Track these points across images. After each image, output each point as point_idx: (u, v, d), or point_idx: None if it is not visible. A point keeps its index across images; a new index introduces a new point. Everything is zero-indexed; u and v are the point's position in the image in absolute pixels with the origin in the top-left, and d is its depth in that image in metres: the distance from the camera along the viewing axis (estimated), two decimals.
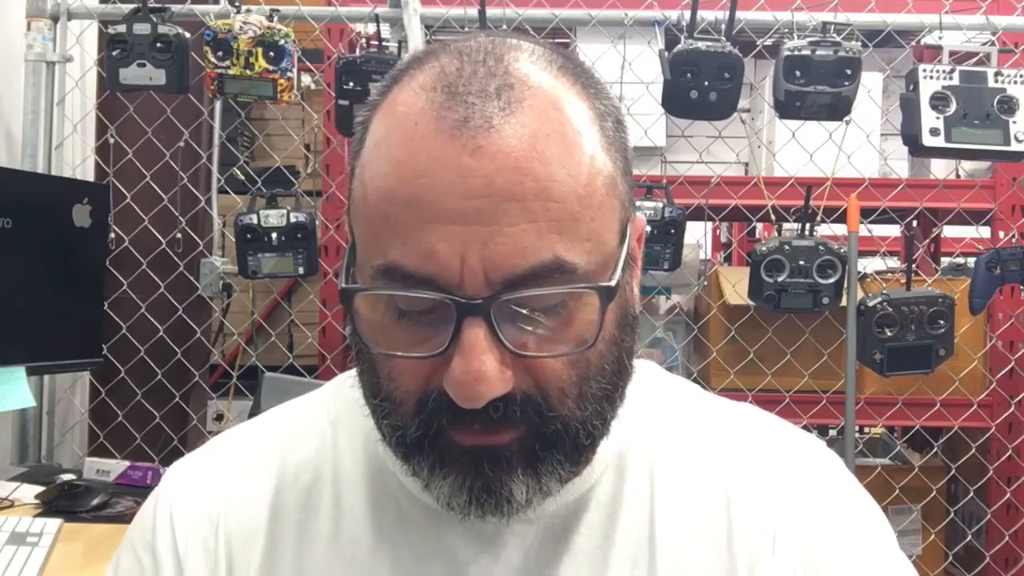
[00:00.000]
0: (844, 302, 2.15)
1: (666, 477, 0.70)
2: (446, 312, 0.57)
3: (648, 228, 2.12)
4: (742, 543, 0.67)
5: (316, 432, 0.73)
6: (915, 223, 2.63)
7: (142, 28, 2.10)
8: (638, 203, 2.10)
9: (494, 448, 0.60)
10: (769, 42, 2.36)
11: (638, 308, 0.67)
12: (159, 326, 2.35)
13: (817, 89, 2.06)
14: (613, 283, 0.59)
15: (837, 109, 2.09)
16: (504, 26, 2.19)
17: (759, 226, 3.68)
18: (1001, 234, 2.39)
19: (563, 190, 0.57)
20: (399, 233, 0.57)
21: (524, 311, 0.58)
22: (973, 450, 2.45)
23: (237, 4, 2.14)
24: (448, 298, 0.56)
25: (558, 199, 0.57)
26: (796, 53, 2.06)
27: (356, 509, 0.69)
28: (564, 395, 0.60)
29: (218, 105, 2.54)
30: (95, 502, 1.79)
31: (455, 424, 0.59)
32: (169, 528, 0.71)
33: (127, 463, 2.01)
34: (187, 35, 2.14)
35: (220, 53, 2.08)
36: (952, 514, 2.47)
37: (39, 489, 1.84)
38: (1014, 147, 2.06)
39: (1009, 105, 2.06)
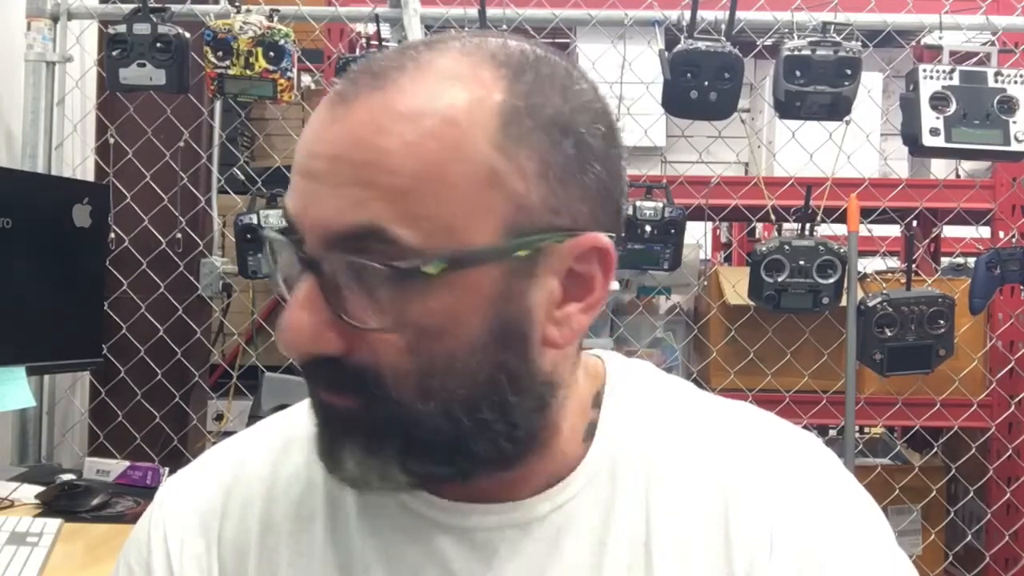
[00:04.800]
0: (844, 302, 2.15)
1: (661, 480, 0.69)
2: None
3: (648, 228, 2.12)
4: (740, 547, 0.67)
5: (309, 441, 0.72)
6: (915, 223, 2.63)
7: (142, 28, 2.10)
8: (638, 203, 2.13)
9: (334, 408, 0.62)
10: (769, 42, 2.36)
11: (567, 339, 0.63)
12: (159, 326, 2.35)
13: (817, 89, 2.06)
14: (434, 271, 0.57)
15: (837, 109, 2.09)
16: (504, 26, 2.19)
17: (759, 226, 3.68)
18: (1001, 234, 2.39)
19: (398, 163, 0.58)
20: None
21: (355, 279, 0.59)
22: (973, 450, 2.45)
23: (237, 4, 2.14)
24: (287, 240, 0.61)
25: (389, 170, 0.58)
26: (796, 53, 2.06)
27: (349, 518, 0.70)
28: (400, 381, 0.60)
29: (218, 105, 2.54)
30: (95, 502, 1.79)
31: (307, 378, 0.63)
32: (163, 545, 0.72)
33: (127, 463, 2.01)
34: (187, 35, 2.15)
35: (220, 53, 2.08)
36: (952, 514, 2.46)
37: (39, 489, 1.84)
38: (1014, 147, 2.06)
39: (1009, 105, 2.06)
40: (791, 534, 0.67)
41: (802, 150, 2.35)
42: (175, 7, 2.18)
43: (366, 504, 0.69)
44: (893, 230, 2.87)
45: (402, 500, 0.69)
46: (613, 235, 0.64)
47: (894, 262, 3.14)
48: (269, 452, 0.74)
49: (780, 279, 2.12)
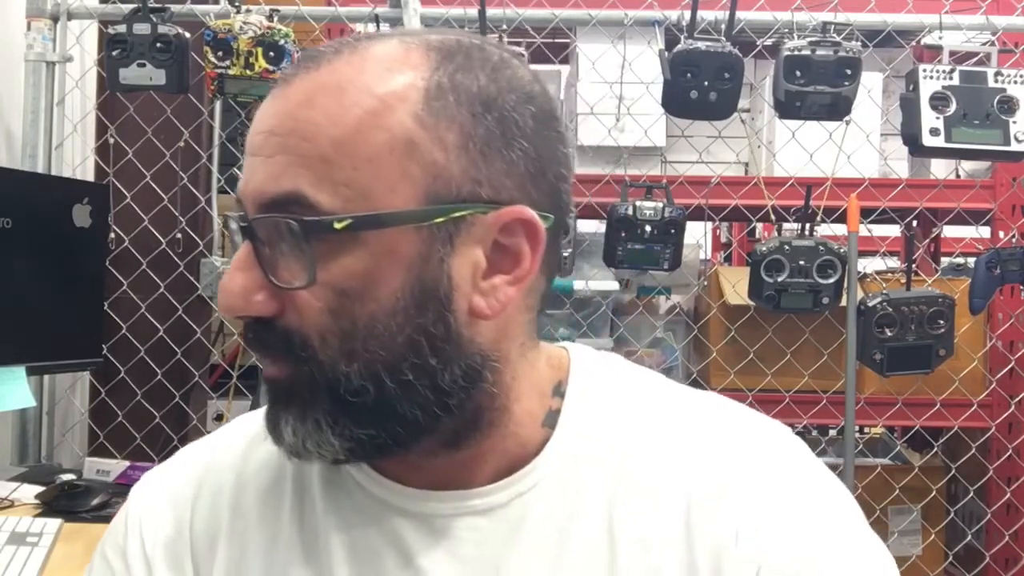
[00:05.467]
0: (844, 302, 2.15)
1: (625, 470, 0.69)
2: None
3: (648, 228, 2.12)
4: (702, 538, 0.67)
5: None
6: (915, 223, 2.63)
7: (142, 28, 2.10)
8: (638, 203, 2.13)
9: (274, 381, 0.66)
10: (769, 42, 2.36)
11: (494, 310, 0.65)
12: (159, 326, 2.35)
13: (817, 89, 2.06)
14: (340, 226, 0.61)
15: (837, 109, 2.09)
16: (504, 26, 2.19)
17: (759, 226, 3.68)
18: (1001, 234, 2.39)
19: (317, 132, 0.62)
20: None
21: (280, 240, 0.62)
22: (973, 450, 2.45)
23: (237, 4, 2.14)
24: (229, 215, 0.66)
25: (309, 138, 0.62)
26: (796, 53, 2.06)
27: (315, 503, 0.72)
28: (326, 341, 0.63)
29: (218, 105, 2.54)
30: (95, 502, 1.79)
31: (248, 346, 0.66)
32: (138, 534, 0.75)
33: (127, 463, 2.01)
34: (187, 35, 2.14)
35: (220, 53, 2.08)
36: (952, 514, 2.46)
37: (39, 489, 1.84)
38: (1014, 147, 2.06)
39: (1009, 105, 2.06)
40: (758, 525, 0.67)
41: (802, 150, 2.35)
42: (175, 7, 2.18)
43: (330, 489, 0.72)
44: (893, 230, 2.87)
45: (361, 484, 0.71)
46: (550, 216, 0.66)
47: (894, 262, 3.14)
48: (240, 443, 0.77)
49: (780, 279, 2.12)
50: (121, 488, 1.92)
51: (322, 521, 0.71)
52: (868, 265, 2.92)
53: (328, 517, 0.71)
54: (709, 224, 3.25)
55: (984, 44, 2.31)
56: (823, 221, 2.30)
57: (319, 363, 0.63)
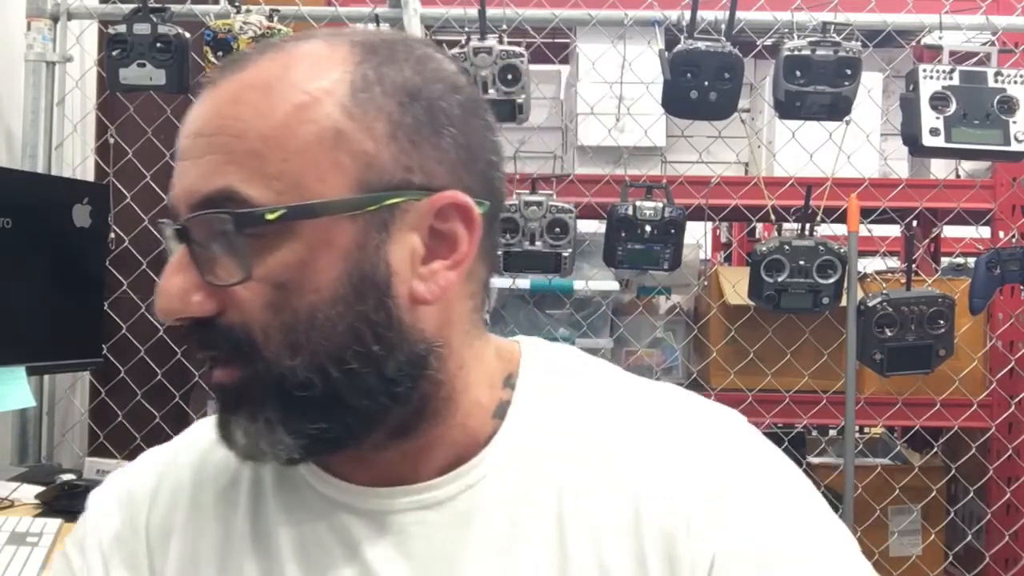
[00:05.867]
0: (844, 302, 2.15)
1: (575, 458, 0.69)
2: None
3: (648, 228, 2.12)
4: (652, 525, 0.67)
5: None
6: (915, 223, 2.63)
7: (142, 28, 2.10)
8: (637, 203, 2.13)
9: (223, 386, 0.65)
10: (769, 42, 2.36)
11: (435, 295, 0.66)
12: (159, 326, 2.35)
13: (817, 89, 2.06)
14: (273, 216, 0.61)
15: (837, 109, 2.09)
16: (504, 26, 2.19)
17: (759, 226, 3.68)
18: (1001, 234, 2.39)
19: (246, 128, 0.62)
20: None
21: (214, 238, 0.62)
22: (973, 450, 2.45)
23: (237, 4, 2.14)
24: (162, 221, 0.66)
25: (237, 135, 0.62)
26: (796, 53, 2.06)
27: (268, 502, 0.73)
28: (268, 336, 0.63)
29: None
30: None
31: (191, 349, 0.67)
32: (96, 529, 0.76)
33: (127, 463, 2.01)
34: (187, 35, 2.14)
35: (220, 53, 2.08)
36: (952, 514, 2.47)
37: (39, 489, 1.84)
38: (1014, 147, 2.06)
39: (1009, 105, 2.06)
40: (710, 514, 0.67)
41: (802, 150, 2.35)
42: (175, 7, 2.18)
43: (283, 487, 0.72)
44: (893, 230, 2.87)
45: (311, 484, 0.71)
46: (484, 201, 0.67)
47: (894, 262, 3.14)
48: (202, 443, 0.77)
49: (780, 279, 2.12)
50: None
51: (273, 518, 0.72)
52: (868, 265, 2.92)
53: (279, 514, 0.72)
54: (709, 224, 3.25)
55: (984, 44, 2.31)
56: (823, 221, 2.30)
57: (264, 359, 0.63)
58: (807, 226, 2.20)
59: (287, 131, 0.62)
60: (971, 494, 2.49)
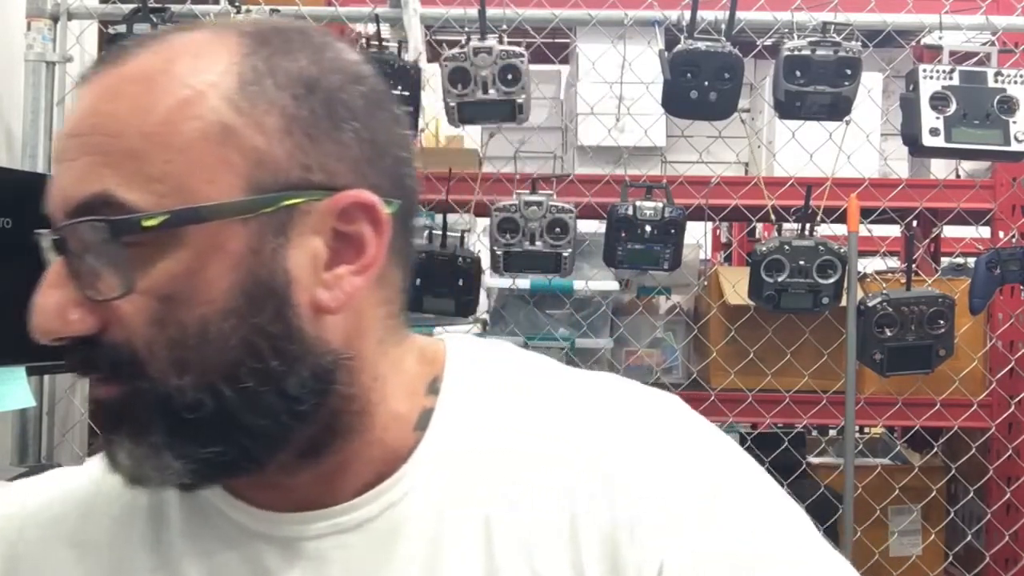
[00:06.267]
0: (844, 302, 2.15)
1: (503, 464, 0.65)
2: None
3: (648, 228, 2.12)
4: (590, 532, 0.63)
5: None
6: (915, 223, 2.63)
7: (142, 28, 2.10)
8: (637, 203, 2.13)
9: (105, 402, 0.60)
10: (769, 42, 2.36)
11: (339, 303, 0.60)
12: None
13: (817, 89, 2.06)
14: (153, 223, 0.56)
15: (837, 109, 2.09)
16: (504, 26, 2.19)
17: (759, 226, 3.68)
18: (1001, 234, 2.39)
19: (123, 126, 0.57)
20: None
21: (91, 249, 0.57)
22: (973, 450, 2.45)
23: (237, 4, 2.14)
24: (37, 232, 0.61)
25: (113, 134, 0.57)
26: (796, 53, 2.06)
27: (172, 528, 0.67)
28: (154, 354, 0.57)
29: None
30: None
31: (70, 368, 0.61)
32: None
33: None
34: None
35: None
36: (952, 514, 2.46)
37: None
38: (1014, 147, 2.06)
39: (1009, 105, 2.06)
40: (655, 517, 0.63)
41: (802, 150, 2.35)
42: (175, 7, 2.18)
43: (190, 514, 0.67)
44: (893, 230, 2.87)
45: (220, 509, 0.66)
46: (394, 200, 0.63)
47: (894, 262, 3.14)
48: (94, 471, 0.71)
49: (780, 279, 2.12)
50: None
51: (179, 549, 0.66)
52: (868, 265, 2.91)
53: (186, 544, 0.66)
54: (709, 224, 3.25)
55: (984, 44, 2.31)
56: (823, 221, 2.30)
57: (150, 379, 0.58)
58: (807, 226, 2.20)
59: (169, 128, 0.57)
60: (971, 494, 2.49)
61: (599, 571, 0.62)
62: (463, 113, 2.09)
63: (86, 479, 0.71)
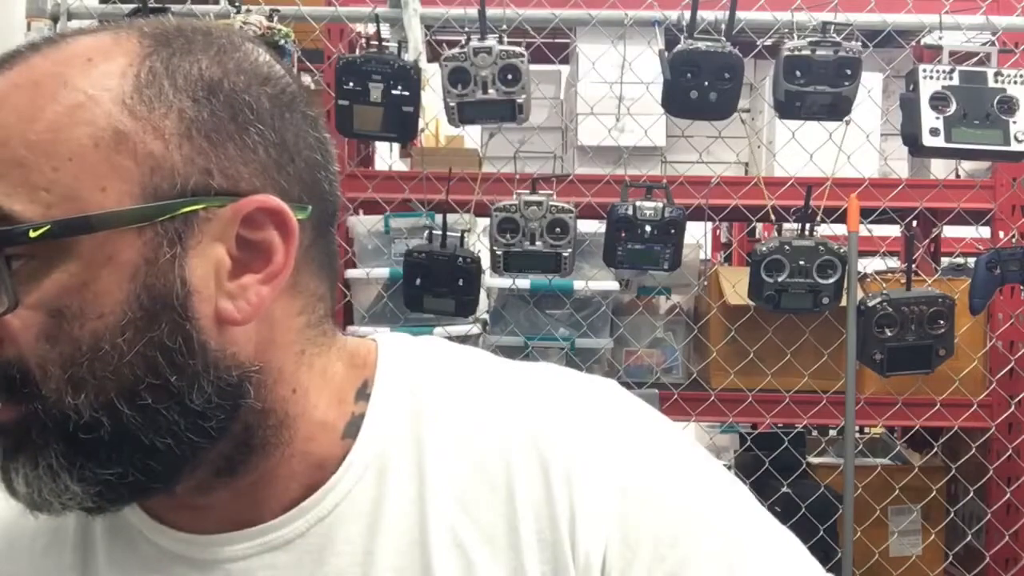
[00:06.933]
0: (844, 302, 2.15)
1: (437, 465, 0.63)
2: None
3: (648, 228, 2.12)
4: (529, 524, 0.62)
5: None
6: (915, 223, 2.63)
7: None
8: (637, 203, 2.13)
9: (1, 427, 0.57)
10: (769, 42, 2.36)
11: (245, 314, 0.58)
12: None
13: (817, 89, 2.06)
14: (35, 234, 0.53)
15: (837, 109, 2.09)
16: (504, 26, 2.19)
17: (759, 226, 3.68)
18: (1001, 234, 2.39)
19: (8, 135, 0.55)
20: None
21: None
22: (973, 450, 2.45)
23: (237, 4, 2.14)
24: None
25: (2, 143, 0.55)
26: (796, 53, 2.06)
27: (98, 556, 0.65)
28: (46, 372, 0.55)
29: None
30: None
31: None
32: None
33: None
34: None
35: None
36: (952, 514, 2.46)
37: None
38: (1014, 147, 2.06)
39: (1009, 105, 2.06)
40: (595, 503, 0.62)
41: (802, 150, 2.35)
42: (175, 7, 2.18)
43: (114, 540, 0.65)
44: (893, 230, 2.87)
45: (147, 535, 0.64)
46: (306, 205, 0.60)
47: (894, 262, 3.14)
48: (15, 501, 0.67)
49: (780, 279, 2.12)
50: None
51: (106, 572, 0.64)
52: (868, 265, 2.91)
53: (110, 571, 0.64)
54: (709, 224, 3.25)
55: (984, 44, 2.31)
56: (823, 221, 2.30)
57: (43, 399, 0.55)
58: (807, 226, 2.20)
59: (57, 135, 0.55)
60: (971, 494, 2.49)
61: (539, 564, 0.61)
62: (463, 113, 2.09)
63: (16, 516, 0.66)
